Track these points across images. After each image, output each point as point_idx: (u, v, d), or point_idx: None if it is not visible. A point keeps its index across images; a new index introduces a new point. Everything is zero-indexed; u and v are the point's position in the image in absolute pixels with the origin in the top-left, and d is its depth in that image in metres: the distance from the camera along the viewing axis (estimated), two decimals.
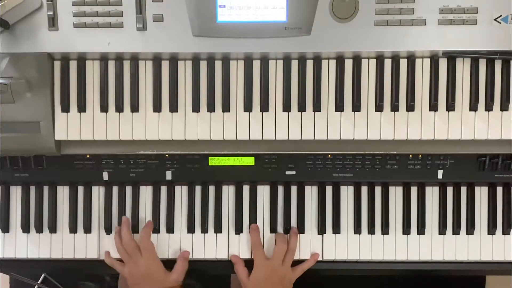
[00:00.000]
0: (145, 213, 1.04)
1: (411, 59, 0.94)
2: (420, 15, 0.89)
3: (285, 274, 0.98)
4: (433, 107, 0.94)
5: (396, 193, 1.03)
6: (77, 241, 1.03)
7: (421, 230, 1.02)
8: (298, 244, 1.01)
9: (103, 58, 0.96)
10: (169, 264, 1.03)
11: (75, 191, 1.03)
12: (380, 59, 0.95)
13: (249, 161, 1.01)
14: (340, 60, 0.95)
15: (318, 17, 0.89)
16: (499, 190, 1.02)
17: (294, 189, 1.03)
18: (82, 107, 0.96)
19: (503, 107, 0.94)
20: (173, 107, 0.95)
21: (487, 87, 0.94)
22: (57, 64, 0.96)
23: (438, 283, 1.49)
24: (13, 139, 0.95)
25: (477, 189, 1.02)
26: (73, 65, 0.96)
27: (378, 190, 1.03)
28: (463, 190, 1.03)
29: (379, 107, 0.95)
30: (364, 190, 1.03)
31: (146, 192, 1.04)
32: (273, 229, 1.03)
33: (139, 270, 0.97)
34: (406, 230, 1.02)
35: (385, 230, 1.02)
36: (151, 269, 0.97)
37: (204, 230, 1.03)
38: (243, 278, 0.99)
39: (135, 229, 1.03)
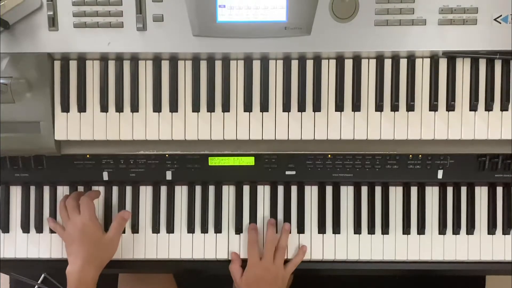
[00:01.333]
0: (145, 213, 1.04)
1: (411, 59, 0.94)
2: (420, 15, 0.89)
3: (277, 272, 0.98)
4: (433, 107, 0.94)
5: (396, 193, 1.03)
6: None
7: (421, 230, 1.02)
8: (293, 243, 1.01)
9: (103, 58, 0.96)
10: (169, 264, 1.03)
11: (75, 191, 1.03)
12: (380, 59, 0.94)
13: (249, 161, 1.01)
14: (340, 60, 0.95)
15: (318, 17, 0.89)
16: (499, 190, 1.02)
17: (294, 189, 1.03)
18: (82, 107, 0.96)
19: (503, 107, 0.94)
20: (173, 107, 0.95)
21: (487, 87, 0.94)
22: (57, 64, 0.96)
23: (438, 283, 1.49)
24: (13, 139, 0.95)
25: (477, 189, 1.02)
26: (73, 65, 0.96)
27: (378, 190, 1.03)
28: (463, 190, 1.03)
29: (379, 107, 0.95)
30: (364, 190, 1.03)
31: (146, 192, 1.04)
32: None
33: (76, 227, 0.96)
34: (406, 230, 1.02)
35: (385, 230, 1.02)
36: (87, 226, 0.96)
37: (204, 230, 1.03)
38: (236, 277, 0.99)
39: (134, 228, 1.03)
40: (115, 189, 1.04)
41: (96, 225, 0.98)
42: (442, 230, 1.02)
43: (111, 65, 0.96)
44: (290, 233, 1.02)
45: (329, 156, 1.00)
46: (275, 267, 0.98)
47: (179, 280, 1.25)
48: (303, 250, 1.01)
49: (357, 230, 1.02)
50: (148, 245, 1.03)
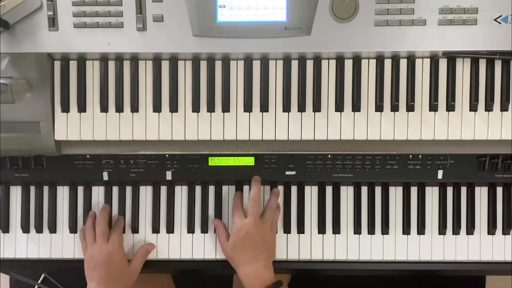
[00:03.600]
0: (145, 213, 1.03)
1: (411, 59, 0.94)
2: (420, 15, 0.89)
3: (264, 231, 0.96)
4: (433, 107, 0.94)
5: (396, 193, 1.03)
6: (77, 241, 1.03)
7: (421, 230, 1.02)
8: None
9: (103, 58, 0.96)
10: (169, 264, 1.03)
11: (75, 191, 1.03)
12: (380, 59, 0.95)
13: (249, 161, 1.01)
14: (340, 60, 0.95)
15: (318, 17, 0.89)
16: (499, 190, 1.02)
17: (294, 189, 1.03)
18: (82, 108, 0.96)
19: (503, 108, 0.94)
20: (173, 107, 0.95)
21: (487, 87, 0.94)
22: (57, 64, 0.96)
23: (438, 283, 1.49)
24: (13, 139, 0.96)
25: (477, 189, 1.02)
26: (73, 65, 0.96)
27: (378, 190, 1.03)
28: (463, 190, 1.02)
29: (379, 108, 0.95)
30: (364, 190, 1.03)
31: (146, 192, 1.04)
32: None
33: (101, 255, 0.96)
34: (406, 230, 1.02)
35: (385, 230, 1.02)
36: (115, 256, 0.97)
37: (204, 230, 1.03)
38: (222, 241, 0.99)
39: (135, 229, 1.03)
40: (115, 189, 1.04)
41: (123, 256, 0.99)
42: (442, 230, 1.02)
43: (111, 65, 0.96)
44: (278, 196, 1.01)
45: (329, 156, 1.00)
46: (261, 225, 0.96)
47: (179, 280, 1.25)
48: (275, 192, 1.00)
49: (357, 230, 1.02)
50: None
